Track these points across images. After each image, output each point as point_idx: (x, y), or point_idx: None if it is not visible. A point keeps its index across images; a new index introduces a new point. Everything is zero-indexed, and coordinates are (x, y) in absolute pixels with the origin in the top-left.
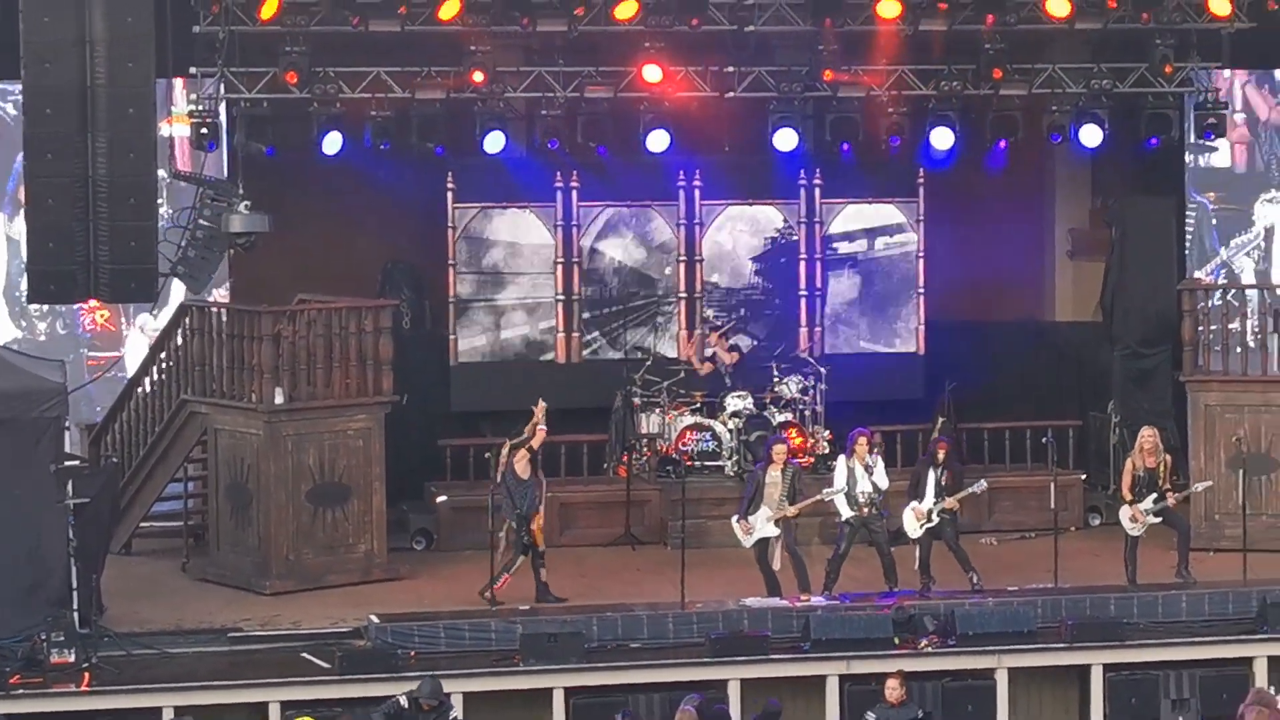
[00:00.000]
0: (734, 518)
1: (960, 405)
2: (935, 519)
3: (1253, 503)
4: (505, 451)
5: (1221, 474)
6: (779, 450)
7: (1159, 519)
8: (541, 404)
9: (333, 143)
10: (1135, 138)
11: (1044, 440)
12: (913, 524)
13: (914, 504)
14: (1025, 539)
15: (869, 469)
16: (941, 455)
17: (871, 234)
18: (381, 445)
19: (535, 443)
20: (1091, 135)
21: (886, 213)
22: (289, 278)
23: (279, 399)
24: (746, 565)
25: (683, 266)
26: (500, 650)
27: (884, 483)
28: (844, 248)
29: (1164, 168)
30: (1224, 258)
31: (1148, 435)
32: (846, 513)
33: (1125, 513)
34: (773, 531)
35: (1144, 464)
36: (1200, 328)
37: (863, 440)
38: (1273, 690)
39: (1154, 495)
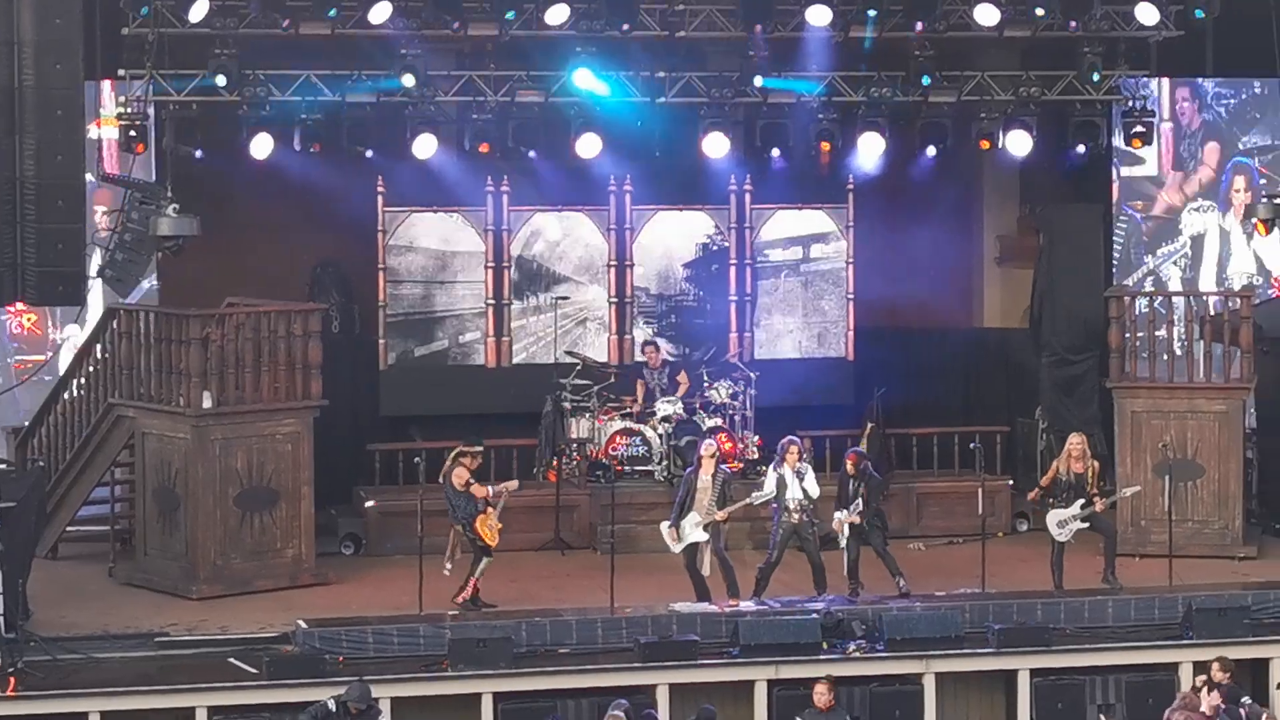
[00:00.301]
0: (664, 523)
1: (889, 411)
2: (847, 529)
3: (1178, 509)
4: (451, 457)
5: (1148, 480)
6: (708, 448)
7: (1086, 524)
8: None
9: (262, 146)
10: (1063, 145)
11: (972, 446)
12: (841, 530)
13: (841, 512)
14: (953, 544)
15: (800, 475)
16: (849, 466)
17: (802, 241)
18: (310, 449)
19: (473, 466)
20: (1020, 143)
21: (817, 220)
22: (217, 281)
23: (207, 403)
24: (676, 570)
25: (613, 271)
26: (428, 655)
27: (814, 490)
28: (775, 254)
29: (1091, 175)
30: (1151, 267)
31: (1075, 441)
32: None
33: (1052, 518)
34: (701, 537)
35: (1070, 470)
36: (1127, 335)
37: (794, 449)
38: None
39: (1081, 500)
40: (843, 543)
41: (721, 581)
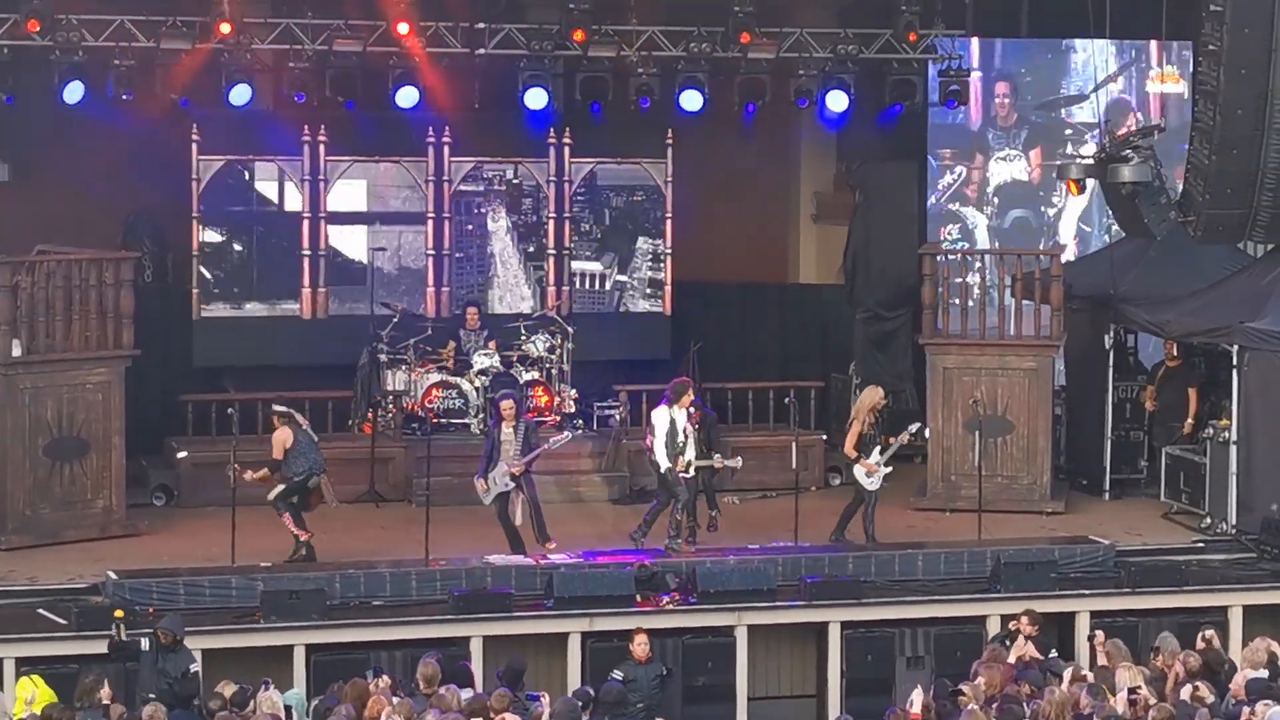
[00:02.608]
0: (475, 476)
1: (705, 365)
2: (692, 472)
3: (988, 464)
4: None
5: (958, 435)
6: (507, 407)
7: (890, 468)
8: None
9: (74, 92)
10: (880, 103)
11: (786, 401)
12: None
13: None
14: (767, 498)
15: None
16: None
17: (621, 192)
18: (121, 399)
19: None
20: (837, 101)
21: (636, 173)
22: (28, 228)
23: (16, 351)
24: (491, 523)
25: (431, 223)
26: (241, 607)
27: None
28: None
29: (907, 132)
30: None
31: (871, 394)
32: (665, 464)
33: (860, 470)
34: (509, 485)
35: (869, 422)
36: (940, 291)
37: (691, 390)
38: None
39: (878, 448)
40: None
41: (533, 533)
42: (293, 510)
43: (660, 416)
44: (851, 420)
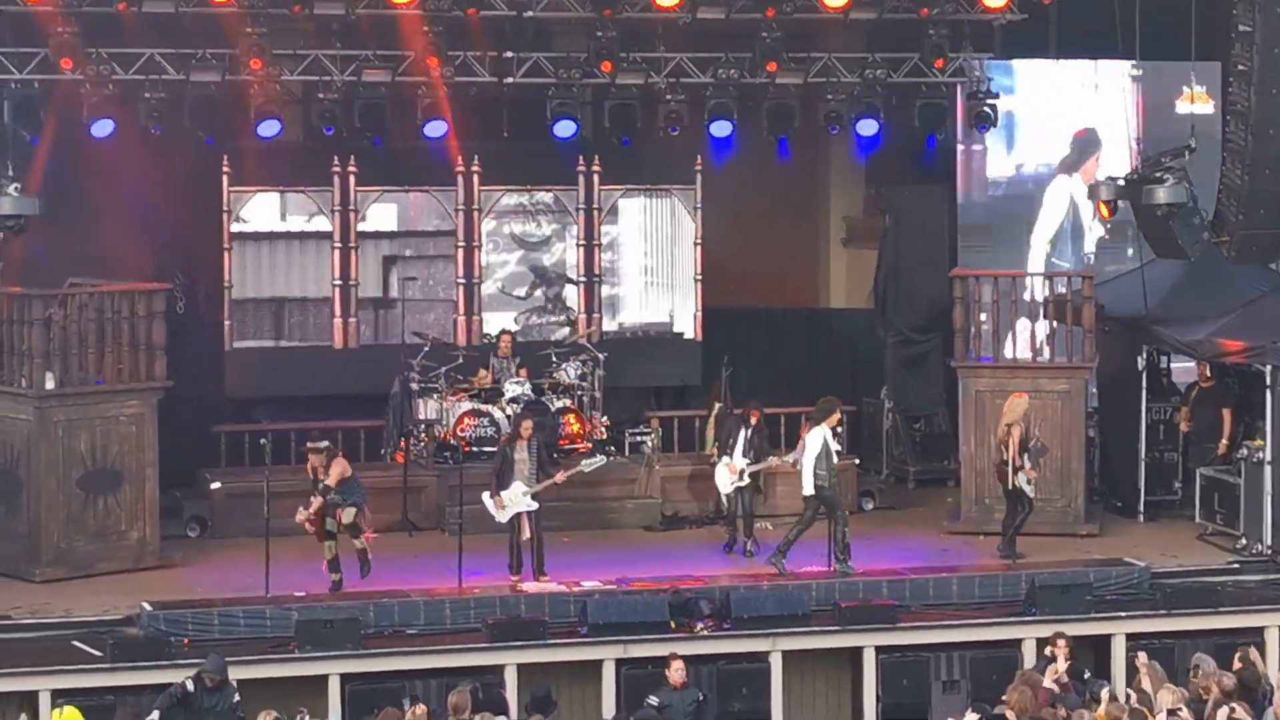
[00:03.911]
0: (485, 494)
1: (735, 390)
2: (747, 478)
3: None
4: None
5: (992, 459)
6: (527, 427)
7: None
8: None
9: (103, 128)
10: (909, 127)
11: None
12: (726, 480)
13: (726, 459)
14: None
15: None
16: (755, 420)
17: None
18: (154, 431)
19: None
20: (867, 128)
21: (668, 203)
22: (60, 262)
23: (49, 384)
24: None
25: (461, 252)
26: (275, 637)
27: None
28: (624, 234)
29: (936, 157)
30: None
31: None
32: (819, 483)
33: (1022, 478)
34: (530, 505)
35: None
36: (971, 315)
37: (839, 410)
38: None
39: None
40: (727, 491)
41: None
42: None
43: (814, 437)
44: (1010, 426)
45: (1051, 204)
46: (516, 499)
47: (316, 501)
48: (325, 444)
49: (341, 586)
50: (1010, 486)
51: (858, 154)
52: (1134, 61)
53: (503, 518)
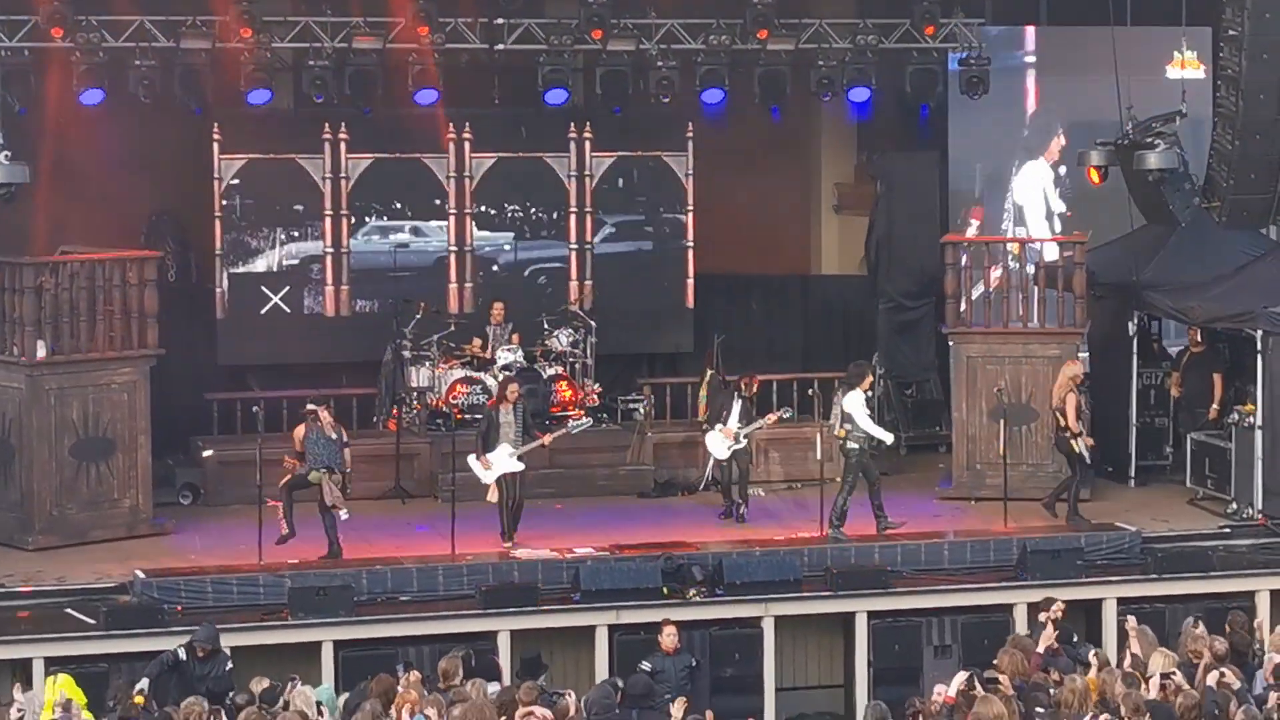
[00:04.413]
0: (471, 457)
1: (727, 357)
2: (743, 440)
3: (1013, 452)
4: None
5: (983, 424)
6: (514, 390)
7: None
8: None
9: (93, 96)
10: (901, 93)
11: (810, 392)
12: (721, 445)
13: (719, 425)
14: (792, 489)
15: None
16: (750, 388)
17: (641, 187)
18: (147, 399)
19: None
20: (859, 94)
21: (659, 168)
22: (51, 230)
23: (41, 352)
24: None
25: (453, 219)
26: (269, 604)
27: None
28: (615, 200)
29: (929, 123)
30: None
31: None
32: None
33: (1080, 444)
34: (516, 467)
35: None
36: (962, 281)
37: (871, 374)
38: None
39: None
40: (722, 457)
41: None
42: (288, 502)
43: (852, 402)
44: (1066, 395)
45: (1021, 191)
46: (502, 461)
47: (289, 462)
48: (308, 407)
49: (285, 541)
50: (1073, 452)
51: (850, 120)
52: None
53: (489, 479)
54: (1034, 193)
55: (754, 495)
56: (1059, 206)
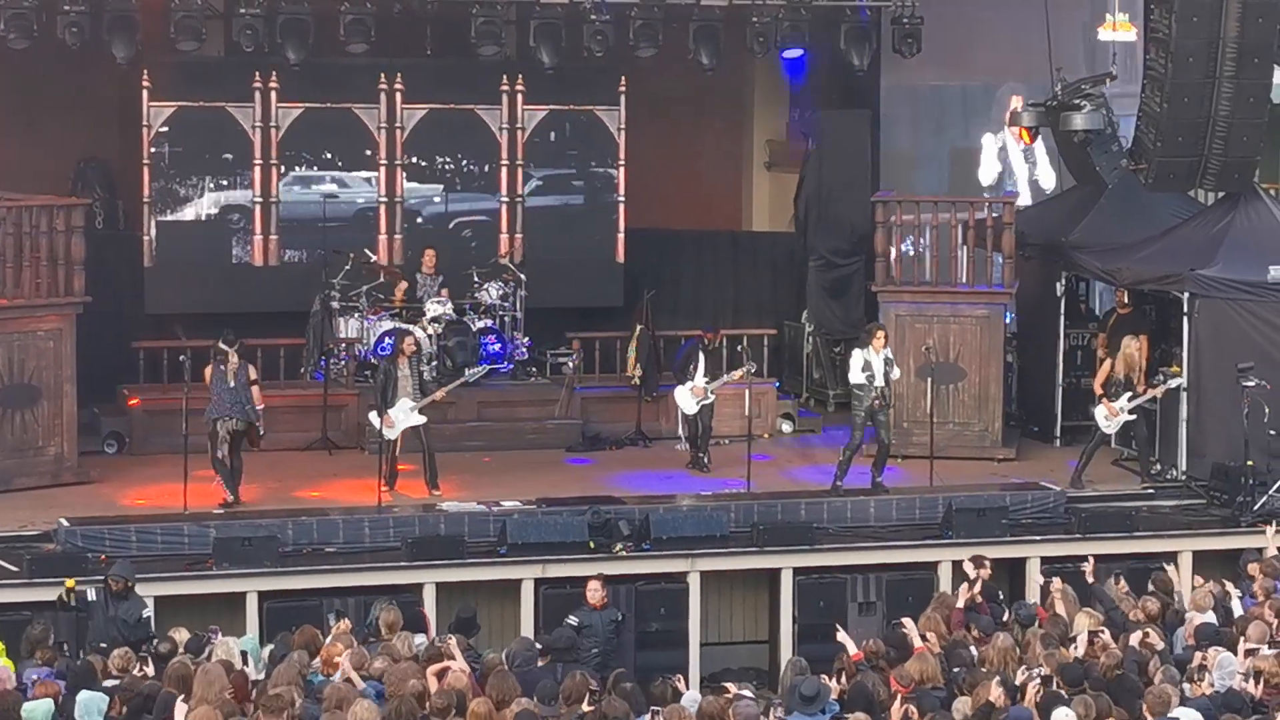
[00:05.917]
0: (372, 412)
1: (658, 313)
2: (711, 395)
3: (940, 411)
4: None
5: (911, 383)
6: (410, 342)
7: (1133, 416)
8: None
9: (20, 41)
10: (834, 51)
11: (739, 349)
12: (689, 401)
13: (689, 383)
14: (720, 445)
15: (888, 362)
16: (713, 341)
17: (572, 141)
18: (73, 346)
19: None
20: (792, 51)
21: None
22: None
23: None
24: (444, 469)
25: (383, 170)
26: (193, 554)
27: (896, 373)
28: (546, 154)
29: (861, 81)
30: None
31: (1131, 343)
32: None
33: (1100, 410)
34: (419, 420)
35: (1124, 369)
36: (892, 239)
37: (881, 334)
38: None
39: (1129, 394)
40: (692, 412)
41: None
42: (224, 470)
43: (853, 358)
44: (1103, 359)
45: (985, 163)
46: (404, 415)
47: None
48: (219, 345)
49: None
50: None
51: (784, 78)
52: None
53: (391, 434)
54: (989, 167)
55: (678, 450)
56: (1047, 178)
